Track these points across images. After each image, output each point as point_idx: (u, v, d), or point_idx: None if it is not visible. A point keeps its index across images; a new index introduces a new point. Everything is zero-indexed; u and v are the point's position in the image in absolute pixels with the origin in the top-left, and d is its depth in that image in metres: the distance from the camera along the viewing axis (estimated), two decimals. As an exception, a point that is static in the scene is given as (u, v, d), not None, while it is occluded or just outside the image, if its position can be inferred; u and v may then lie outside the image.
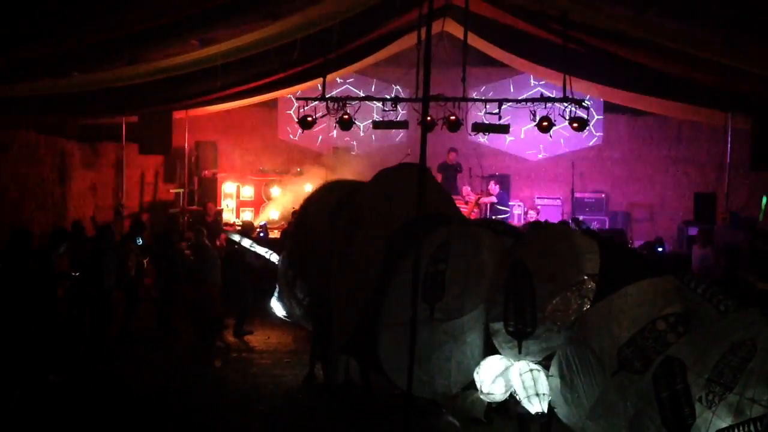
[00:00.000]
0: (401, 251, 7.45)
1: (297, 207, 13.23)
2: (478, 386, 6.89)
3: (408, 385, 6.53)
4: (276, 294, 10.28)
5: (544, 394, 6.44)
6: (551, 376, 6.34)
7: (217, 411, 8.66)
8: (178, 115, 15.75)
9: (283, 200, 17.43)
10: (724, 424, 4.44)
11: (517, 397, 6.58)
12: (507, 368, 6.66)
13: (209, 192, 17.54)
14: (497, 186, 16.64)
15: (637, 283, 5.79)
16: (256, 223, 15.76)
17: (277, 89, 15.89)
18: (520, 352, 6.54)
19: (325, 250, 8.73)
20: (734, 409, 4.40)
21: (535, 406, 6.41)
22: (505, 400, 6.94)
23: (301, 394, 9.38)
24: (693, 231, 14.76)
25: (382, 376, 7.70)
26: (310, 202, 10.00)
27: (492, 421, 7.94)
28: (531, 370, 6.51)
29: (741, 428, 4.36)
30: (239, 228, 14.04)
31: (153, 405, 8.76)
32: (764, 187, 15.61)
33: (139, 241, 12.16)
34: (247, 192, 18.20)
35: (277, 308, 10.29)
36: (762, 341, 4.47)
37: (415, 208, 6.59)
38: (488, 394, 6.84)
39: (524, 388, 6.52)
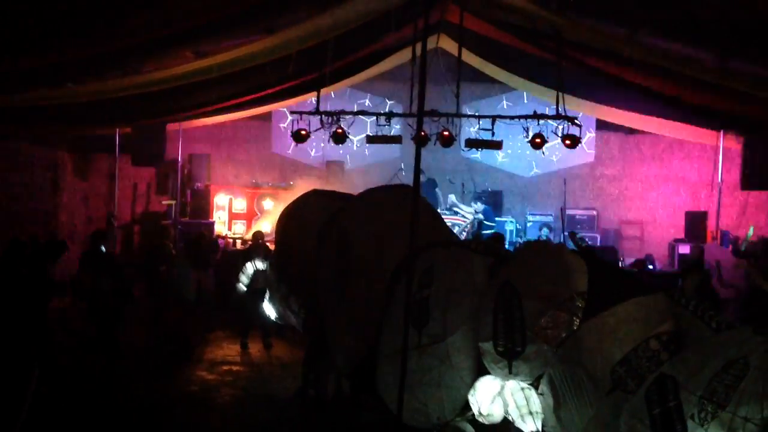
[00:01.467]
0: (394, 280, 7.46)
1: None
2: (476, 409, 6.82)
3: (399, 404, 6.54)
4: (267, 297, 10.30)
5: (537, 413, 6.40)
6: (541, 395, 6.32)
7: (207, 425, 8.63)
8: (171, 126, 15.74)
9: (276, 213, 17.36)
10: (716, 443, 4.44)
11: (510, 417, 6.55)
12: (503, 386, 6.63)
13: (201, 204, 17.52)
14: (479, 203, 16.76)
15: (628, 302, 5.78)
16: (248, 236, 15.80)
17: (272, 102, 15.91)
18: (510, 372, 6.52)
19: (314, 272, 8.73)
20: (727, 428, 4.38)
21: (529, 425, 6.36)
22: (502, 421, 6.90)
23: (292, 408, 9.34)
24: (684, 249, 14.83)
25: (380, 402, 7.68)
26: (292, 216, 9.96)
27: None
28: (523, 389, 6.48)
29: (734, 447, 4.36)
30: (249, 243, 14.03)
31: (142, 419, 8.72)
32: (755, 206, 15.69)
33: (103, 250, 12.08)
34: (240, 205, 18.17)
35: (269, 310, 10.31)
36: (755, 359, 4.46)
37: (405, 233, 6.64)
38: (488, 415, 6.78)
39: (517, 407, 6.47)
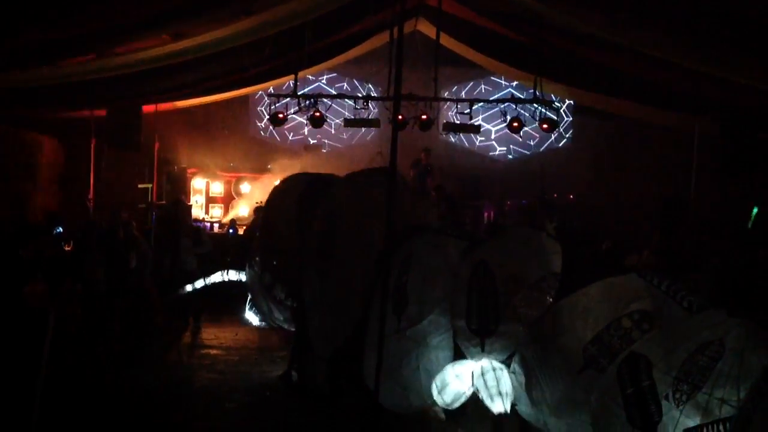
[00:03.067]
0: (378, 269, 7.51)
1: (262, 202, 13.12)
2: (436, 388, 6.81)
3: (375, 388, 6.57)
4: (248, 303, 10.21)
5: (507, 394, 6.43)
6: (513, 372, 6.37)
7: (183, 408, 8.61)
8: (147, 109, 15.56)
9: (253, 197, 17.35)
10: (692, 423, 4.46)
11: (480, 397, 6.55)
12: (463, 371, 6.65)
13: (178, 187, 17.39)
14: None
15: (601, 281, 5.83)
16: (225, 219, 15.73)
17: (249, 85, 15.79)
18: (483, 350, 6.55)
19: (296, 250, 8.70)
20: (702, 409, 4.42)
21: (497, 405, 6.38)
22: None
23: (269, 391, 9.34)
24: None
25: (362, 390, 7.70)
26: (273, 201, 9.91)
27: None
28: (494, 369, 6.51)
29: (710, 428, 4.38)
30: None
31: (117, 402, 8.67)
32: (735, 192, 15.77)
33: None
34: (217, 188, 18.09)
35: (252, 318, 10.24)
36: (730, 341, 4.50)
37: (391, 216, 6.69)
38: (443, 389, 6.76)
39: (486, 387, 6.48)
